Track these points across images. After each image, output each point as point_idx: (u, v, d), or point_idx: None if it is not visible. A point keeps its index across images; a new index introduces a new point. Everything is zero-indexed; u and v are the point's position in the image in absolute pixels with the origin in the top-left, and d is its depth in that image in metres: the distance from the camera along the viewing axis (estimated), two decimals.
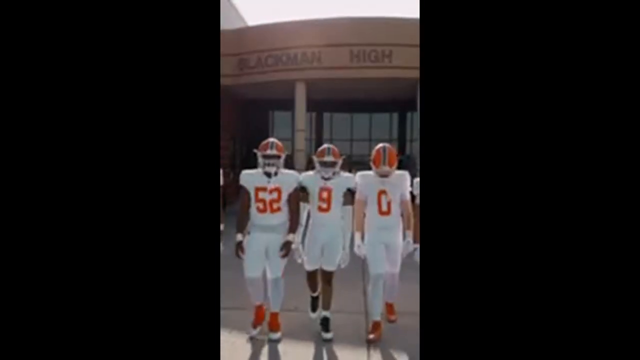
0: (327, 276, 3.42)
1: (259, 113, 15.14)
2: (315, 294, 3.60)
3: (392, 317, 3.67)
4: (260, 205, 3.30)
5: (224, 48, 10.13)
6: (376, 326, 3.39)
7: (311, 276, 3.53)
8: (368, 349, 3.23)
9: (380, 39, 11.20)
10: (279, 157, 3.32)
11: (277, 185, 3.29)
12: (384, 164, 3.37)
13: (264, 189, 3.29)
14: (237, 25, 13.93)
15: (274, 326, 3.36)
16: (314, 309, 3.61)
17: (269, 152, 3.30)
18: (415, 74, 11.01)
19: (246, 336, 3.37)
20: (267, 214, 3.30)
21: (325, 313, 3.45)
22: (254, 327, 3.42)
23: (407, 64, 11.09)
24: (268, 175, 3.30)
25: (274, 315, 3.38)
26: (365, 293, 4.07)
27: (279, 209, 3.31)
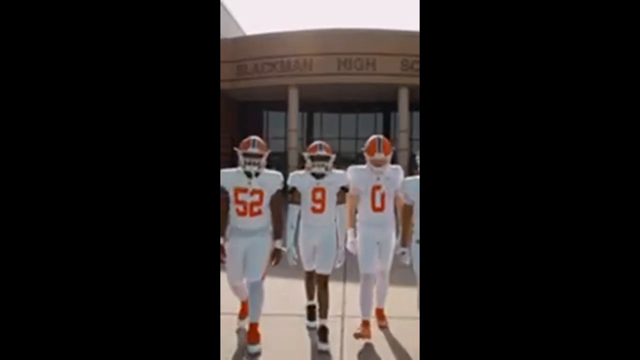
0: (323, 279, 3.20)
1: (254, 113, 16.09)
2: (311, 302, 3.40)
3: (383, 323, 3.41)
4: (240, 208, 3.04)
5: (223, 55, 11.18)
6: (366, 324, 3.22)
7: (310, 277, 3.40)
8: (342, 338, 3.23)
9: (365, 49, 12.33)
10: (261, 155, 3.07)
11: (258, 187, 3.05)
12: (379, 151, 3.20)
13: (244, 190, 3.04)
14: (236, 34, 14.99)
15: (253, 337, 2.97)
16: (311, 317, 3.41)
17: (250, 150, 3.06)
18: (396, 80, 12.27)
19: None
20: (247, 218, 3.05)
21: (323, 322, 3.16)
22: (241, 318, 3.35)
23: (388, 71, 12.37)
24: (249, 175, 3.05)
25: (254, 327, 3.00)
26: (344, 294, 4.04)
27: (259, 212, 3.07)
